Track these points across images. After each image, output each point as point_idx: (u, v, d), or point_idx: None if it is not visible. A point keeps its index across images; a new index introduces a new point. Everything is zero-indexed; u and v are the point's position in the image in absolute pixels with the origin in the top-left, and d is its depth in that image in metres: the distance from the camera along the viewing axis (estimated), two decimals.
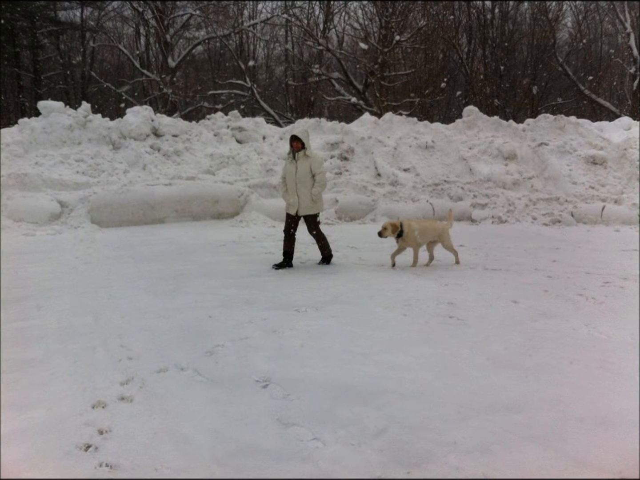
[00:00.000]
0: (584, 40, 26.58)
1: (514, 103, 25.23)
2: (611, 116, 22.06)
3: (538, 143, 13.47)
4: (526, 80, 25.09)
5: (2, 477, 2.12)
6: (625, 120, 15.24)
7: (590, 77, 25.13)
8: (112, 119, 13.12)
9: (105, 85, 25.42)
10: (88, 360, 3.33)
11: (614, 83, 27.33)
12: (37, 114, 12.45)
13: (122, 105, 21.43)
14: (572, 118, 14.81)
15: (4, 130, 11.61)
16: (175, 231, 9.65)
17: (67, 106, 12.70)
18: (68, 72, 27.09)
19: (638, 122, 14.65)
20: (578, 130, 14.27)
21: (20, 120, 12.10)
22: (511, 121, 14.69)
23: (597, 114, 24.76)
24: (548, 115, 14.90)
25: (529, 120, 14.85)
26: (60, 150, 11.48)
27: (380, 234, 6.35)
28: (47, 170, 10.83)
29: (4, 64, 23.72)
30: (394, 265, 6.43)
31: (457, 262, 6.63)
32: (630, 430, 2.48)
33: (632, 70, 24.19)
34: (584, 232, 10.27)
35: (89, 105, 12.76)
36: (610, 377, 3.09)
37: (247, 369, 3.19)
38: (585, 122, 15.06)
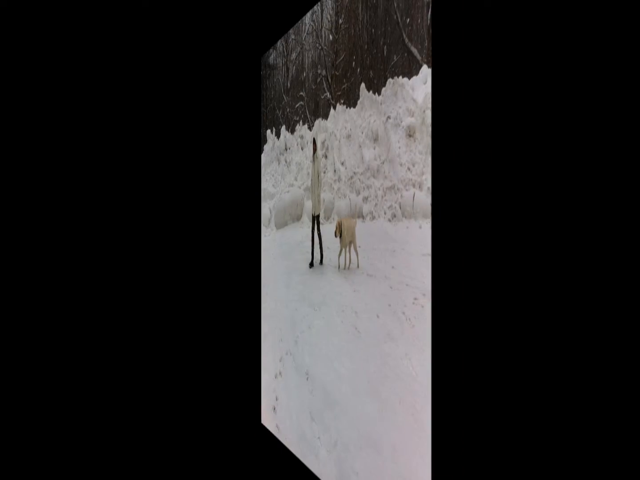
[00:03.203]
0: None
1: None
2: (418, 67, 21.44)
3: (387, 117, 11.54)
4: None
5: None
6: (425, 70, 14.10)
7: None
8: None
9: None
10: None
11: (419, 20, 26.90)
12: None
13: None
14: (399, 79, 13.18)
15: None
16: None
17: None
18: None
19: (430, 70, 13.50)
20: (402, 93, 12.70)
21: None
22: None
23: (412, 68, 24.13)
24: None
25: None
26: None
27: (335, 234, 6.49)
28: None
29: None
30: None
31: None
32: None
33: None
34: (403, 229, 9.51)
35: None
36: None
37: None
38: (404, 81, 13.58)
